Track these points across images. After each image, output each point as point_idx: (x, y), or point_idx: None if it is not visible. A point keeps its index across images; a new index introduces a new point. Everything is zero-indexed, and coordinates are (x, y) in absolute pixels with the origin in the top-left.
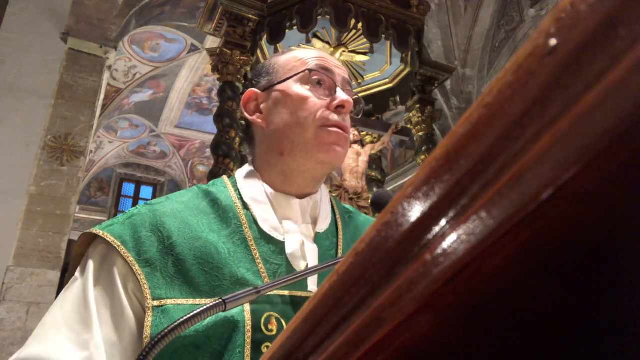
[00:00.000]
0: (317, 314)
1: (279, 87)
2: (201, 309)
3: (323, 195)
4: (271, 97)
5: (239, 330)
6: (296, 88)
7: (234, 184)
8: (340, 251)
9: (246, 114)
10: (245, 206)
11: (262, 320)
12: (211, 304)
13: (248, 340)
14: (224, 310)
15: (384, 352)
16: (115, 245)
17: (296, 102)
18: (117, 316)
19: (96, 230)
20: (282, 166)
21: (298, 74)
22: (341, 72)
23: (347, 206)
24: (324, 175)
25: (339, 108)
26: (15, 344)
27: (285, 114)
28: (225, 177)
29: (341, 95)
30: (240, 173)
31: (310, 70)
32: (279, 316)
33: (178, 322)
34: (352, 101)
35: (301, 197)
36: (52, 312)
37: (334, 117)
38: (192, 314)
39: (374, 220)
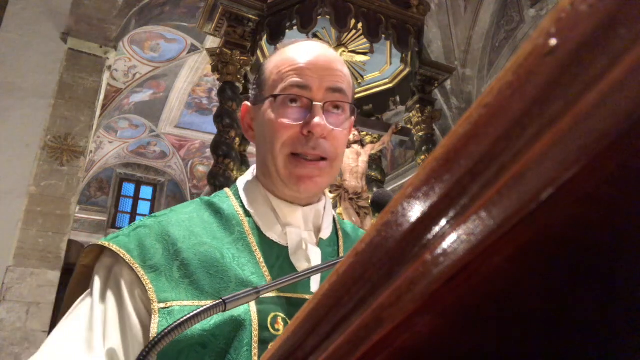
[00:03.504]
0: (317, 314)
1: (262, 104)
2: (201, 309)
3: (326, 204)
4: (258, 113)
5: (245, 328)
6: (268, 111)
7: (235, 193)
8: None
9: (243, 130)
10: (247, 214)
11: (269, 320)
12: (211, 304)
13: (255, 339)
14: (224, 311)
15: (384, 352)
16: (121, 254)
17: (267, 127)
18: (125, 331)
19: (102, 242)
20: (270, 186)
21: (269, 97)
22: (324, 83)
23: (347, 222)
24: (308, 198)
25: (310, 134)
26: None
27: (262, 138)
28: (227, 189)
29: (315, 118)
30: (242, 181)
31: (275, 96)
32: (285, 317)
33: (177, 322)
34: (324, 124)
35: (303, 205)
36: (59, 330)
37: (303, 145)
38: (191, 314)
39: None
